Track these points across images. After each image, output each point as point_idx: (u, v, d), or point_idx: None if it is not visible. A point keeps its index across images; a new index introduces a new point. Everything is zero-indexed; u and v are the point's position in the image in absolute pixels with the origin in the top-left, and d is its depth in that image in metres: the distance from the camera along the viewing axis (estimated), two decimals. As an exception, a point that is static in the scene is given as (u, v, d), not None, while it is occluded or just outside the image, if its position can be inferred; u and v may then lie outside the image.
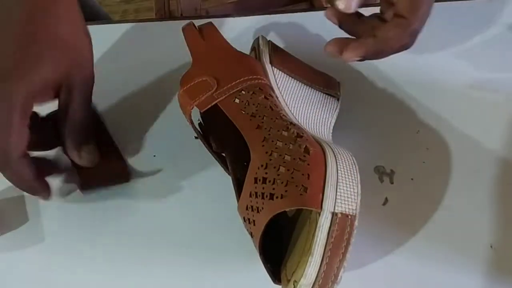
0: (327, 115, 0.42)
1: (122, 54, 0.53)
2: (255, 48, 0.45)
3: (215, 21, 0.45)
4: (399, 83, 0.47)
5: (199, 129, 0.42)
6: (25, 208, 0.42)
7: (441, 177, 0.42)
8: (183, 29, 0.44)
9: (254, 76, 0.39)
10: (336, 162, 0.33)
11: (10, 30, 0.35)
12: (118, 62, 0.52)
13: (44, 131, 0.40)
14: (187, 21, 0.45)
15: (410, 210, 0.40)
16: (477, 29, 0.51)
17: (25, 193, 0.42)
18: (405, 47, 0.37)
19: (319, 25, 0.53)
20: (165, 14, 0.88)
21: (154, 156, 0.45)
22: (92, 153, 0.40)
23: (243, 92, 0.38)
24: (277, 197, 0.32)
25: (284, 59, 0.44)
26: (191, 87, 0.40)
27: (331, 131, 0.41)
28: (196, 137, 0.44)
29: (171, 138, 0.46)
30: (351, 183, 0.32)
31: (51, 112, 0.40)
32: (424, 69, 0.48)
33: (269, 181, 0.32)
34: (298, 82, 0.43)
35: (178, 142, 0.45)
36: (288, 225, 0.37)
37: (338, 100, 0.44)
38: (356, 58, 0.36)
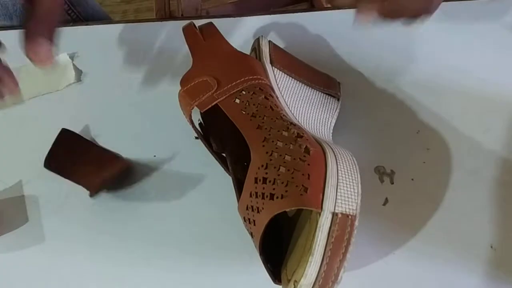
0: (328, 115, 0.42)
1: (122, 54, 0.53)
2: (256, 48, 0.45)
3: (216, 21, 0.45)
4: (399, 83, 0.47)
5: (199, 129, 0.42)
6: (25, 209, 0.42)
7: (441, 177, 0.42)
8: (184, 29, 0.44)
9: (255, 76, 0.39)
10: (337, 162, 0.33)
11: None
12: (118, 62, 0.52)
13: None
14: (187, 21, 0.45)
15: (410, 210, 0.40)
16: (477, 29, 0.51)
17: (25, 194, 0.42)
18: (424, 10, 0.35)
19: (319, 25, 0.53)
20: (166, 14, 0.89)
21: (154, 156, 0.45)
22: (49, 49, 0.36)
23: (243, 92, 0.38)
24: (277, 197, 0.32)
25: (284, 59, 0.44)
26: (191, 87, 0.40)
27: (331, 131, 0.41)
28: (196, 137, 0.44)
29: (171, 138, 0.46)
30: (351, 183, 0.32)
31: None
32: (424, 69, 0.48)
33: (270, 181, 0.32)
34: (298, 82, 0.43)
35: (178, 142, 0.45)
36: (288, 225, 0.37)
37: (338, 100, 0.44)
38: (370, 15, 0.34)
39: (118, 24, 0.56)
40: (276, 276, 0.35)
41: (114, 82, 0.51)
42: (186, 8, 0.83)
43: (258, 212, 0.33)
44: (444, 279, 0.37)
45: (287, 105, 0.40)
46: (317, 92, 0.43)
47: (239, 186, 0.38)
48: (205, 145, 0.42)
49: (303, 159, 0.33)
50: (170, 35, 0.53)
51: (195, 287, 0.38)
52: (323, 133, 0.40)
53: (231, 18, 0.55)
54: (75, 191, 0.42)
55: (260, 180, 0.33)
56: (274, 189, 0.32)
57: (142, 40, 0.54)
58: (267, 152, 0.34)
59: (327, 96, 0.44)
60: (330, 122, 0.42)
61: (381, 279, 0.37)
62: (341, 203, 0.30)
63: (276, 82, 0.42)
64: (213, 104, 0.38)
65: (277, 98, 0.40)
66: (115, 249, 0.40)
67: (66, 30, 0.57)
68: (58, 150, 0.45)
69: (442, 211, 0.40)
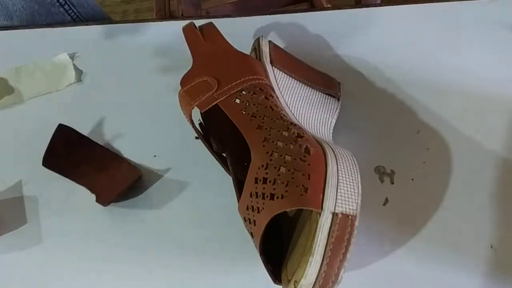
0: (328, 115, 0.42)
1: (122, 54, 0.53)
2: (256, 48, 0.45)
3: (216, 21, 0.45)
4: (399, 83, 0.47)
5: (199, 129, 0.42)
6: (24, 210, 0.42)
7: (441, 177, 0.42)
8: (184, 29, 0.44)
9: (255, 76, 0.39)
10: (337, 162, 0.33)
11: None
12: (118, 62, 0.52)
13: None
14: (187, 21, 0.45)
15: (410, 210, 0.40)
16: (477, 29, 0.51)
17: (24, 194, 0.42)
18: None
19: (319, 25, 0.53)
20: (166, 14, 0.89)
21: (154, 156, 0.45)
22: None
23: (243, 92, 0.38)
24: (277, 197, 0.32)
25: (284, 59, 0.44)
26: (191, 87, 0.40)
27: (332, 131, 0.41)
28: (196, 137, 0.44)
29: (171, 138, 0.46)
30: (351, 183, 0.32)
31: None
32: (424, 69, 0.48)
33: (270, 181, 0.32)
34: (298, 82, 0.43)
35: (178, 142, 0.45)
36: (288, 225, 0.37)
37: (338, 100, 0.44)
38: None
39: (118, 24, 0.56)
40: (276, 276, 0.35)
41: (114, 82, 0.51)
42: (186, 8, 0.83)
43: (258, 212, 0.33)
44: (444, 279, 0.37)
45: (287, 105, 0.40)
46: (317, 92, 0.43)
47: (239, 186, 0.38)
48: (205, 145, 0.42)
49: (303, 159, 0.33)
50: (170, 35, 0.53)
51: (195, 287, 0.38)
52: (323, 133, 0.40)
53: (231, 18, 0.55)
54: (75, 192, 0.42)
55: (260, 180, 0.33)
56: (274, 189, 0.32)
57: (142, 40, 0.54)
58: (267, 152, 0.34)
59: (327, 96, 0.44)
60: (330, 122, 0.42)
61: (381, 279, 0.37)
62: (341, 203, 0.30)
63: (276, 82, 0.42)
64: (213, 104, 0.38)
65: (277, 98, 0.40)
66: (114, 249, 0.40)
67: (66, 30, 0.57)
68: (56, 147, 0.44)
69: (442, 211, 0.40)
